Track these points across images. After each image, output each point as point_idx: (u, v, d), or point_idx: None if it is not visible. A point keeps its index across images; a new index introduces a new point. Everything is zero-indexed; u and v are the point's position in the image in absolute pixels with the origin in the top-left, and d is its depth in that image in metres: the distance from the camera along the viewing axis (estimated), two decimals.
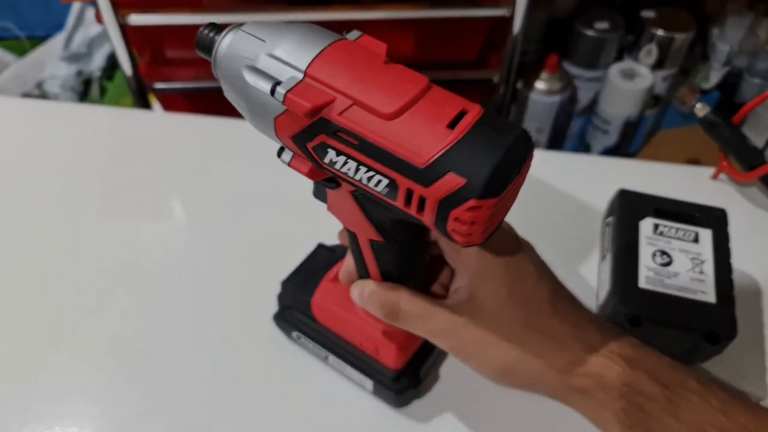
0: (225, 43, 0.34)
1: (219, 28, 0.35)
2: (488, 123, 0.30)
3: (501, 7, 0.91)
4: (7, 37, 1.56)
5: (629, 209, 0.58)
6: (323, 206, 0.41)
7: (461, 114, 0.30)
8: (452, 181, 0.29)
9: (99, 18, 0.86)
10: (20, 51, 1.55)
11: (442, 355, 0.53)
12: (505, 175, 0.29)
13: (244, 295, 0.59)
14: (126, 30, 0.86)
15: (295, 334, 0.53)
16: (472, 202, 0.29)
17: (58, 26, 1.54)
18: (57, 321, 0.56)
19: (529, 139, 0.32)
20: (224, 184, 0.69)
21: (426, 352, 0.51)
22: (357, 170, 0.32)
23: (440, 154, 0.29)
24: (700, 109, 0.71)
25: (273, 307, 0.55)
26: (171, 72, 0.97)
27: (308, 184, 0.39)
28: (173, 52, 0.95)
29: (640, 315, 0.50)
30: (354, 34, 0.34)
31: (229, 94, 0.35)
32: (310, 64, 0.32)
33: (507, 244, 0.40)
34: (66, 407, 0.51)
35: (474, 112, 0.30)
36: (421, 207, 0.31)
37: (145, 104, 0.98)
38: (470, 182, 0.29)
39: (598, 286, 0.59)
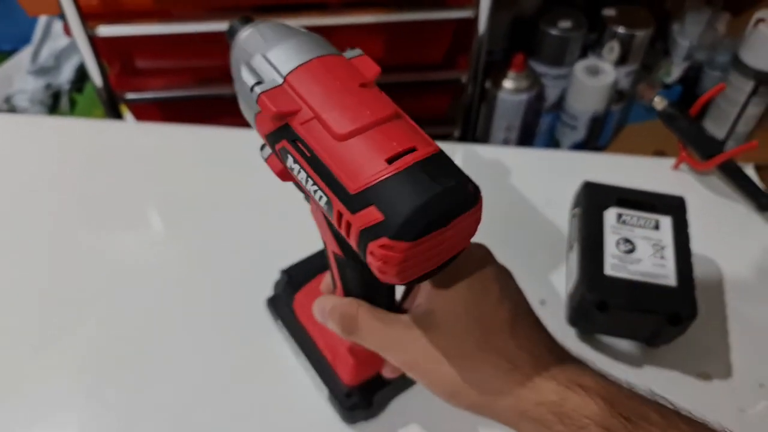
0: (242, 35, 0.36)
1: (249, 21, 0.37)
2: (427, 166, 0.30)
3: (466, 8, 0.93)
4: None
5: (594, 200, 0.60)
6: (295, 214, 0.41)
7: (408, 151, 0.30)
8: (372, 214, 0.29)
9: (67, 30, 0.86)
10: None
11: (405, 386, 0.53)
12: (426, 223, 0.28)
13: (221, 299, 0.60)
14: (95, 41, 0.87)
15: (279, 322, 0.55)
16: (384, 240, 0.28)
17: (25, 40, 1.52)
18: (39, 332, 0.57)
19: (468, 195, 0.30)
20: (201, 191, 0.70)
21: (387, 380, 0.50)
22: (306, 181, 0.32)
23: (369, 185, 0.29)
24: (659, 103, 0.74)
25: (253, 314, 0.57)
26: (142, 82, 0.97)
27: (284, 192, 0.40)
28: (143, 62, 0.96)
29: (606, 301, 0.52)
30: (351, 53, 0.35)
31: (234, 82, 0.37)
32: (291, 71, 0.33)
33: (475, 264, 0.39)
34: (50, 418, 0.52)
35: (422, 152, 0.30)
36: (348, 231, 0.31)
37: (117, 115, 0.98)
38: (387, 220, 0.29)
39: (567, 275, 0.61)
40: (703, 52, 1.29)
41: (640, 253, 0.56)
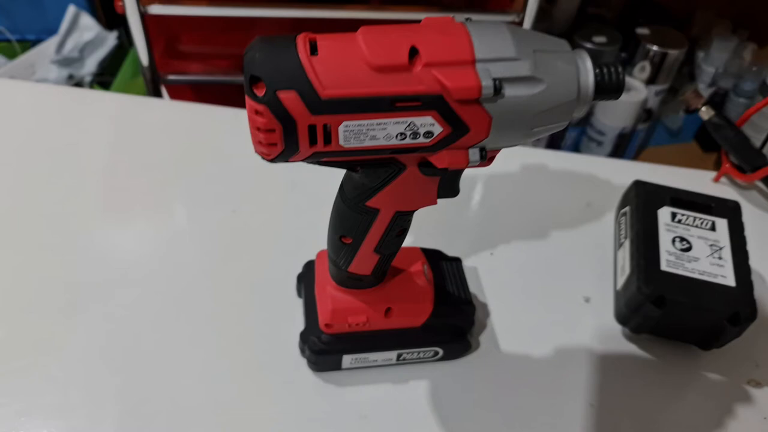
0: None
1: None
2: None
3: (509, 12, 0.93)
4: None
5: (646, 199, 0.59)
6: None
7: None
8: None
9: (120, 7, 0.86)
10: (11, 54, 1.52)
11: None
12: None
13: (251, 283, 0.58)
14: (145, 19, 0.87)
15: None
16: None
17: (51, 31, 1.52)
18: (59, 313, 0.55)
19: None
20: (232, 173, 0.69)
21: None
22: None
23: None
24: (705, 112, 0.73)
25: (286, 291, 0.56)
26: (182, 65, 0.97)
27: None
28: (186, 45, 0.96)
29: (664, 295, 0.51)
30: None
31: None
32: None
33: None
34: (56, 411, 0.50)
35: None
36: None
37: (158, 95, 0.99)
38: None
39: (616, 272, 0.60)
40: (729, 80, 1.29)
41: (696, 252, 0.55)
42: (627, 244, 0.58)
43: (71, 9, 1.50)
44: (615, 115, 1.16)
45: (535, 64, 0.36)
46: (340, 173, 0.42)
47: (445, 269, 0.53)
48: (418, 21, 0.36)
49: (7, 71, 1.46)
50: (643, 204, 0.58)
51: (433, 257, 0.54)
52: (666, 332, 0.55)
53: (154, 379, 0.50)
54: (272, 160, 0.37)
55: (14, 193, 0.65)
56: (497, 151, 0.40)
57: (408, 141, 0.36)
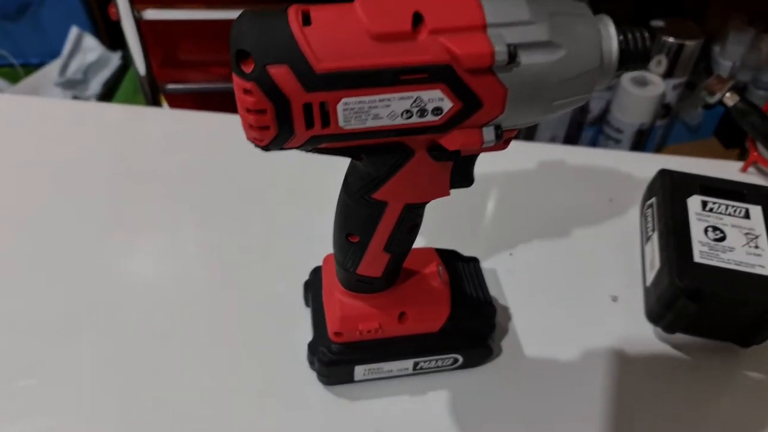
0: None
1: None
2: None
3: None
4: (1, 65, 1.53)
5: (674, 188, 0.55)
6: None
7: None
8: None
9: (114, 14, 0.83)
10: (14, 78, 1.52)
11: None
12: None
13: (257, 294, 0.55)
14: (141, 26, 0.84)
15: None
16: None
17: (54, 55, 1.51)
18: (59, 322, 0.52)
19: None
20: (236, 181, 0.66)
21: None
22: None
23: None
24: (730, 98, 0.69)
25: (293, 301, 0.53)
26: (181, 74, 0.94)
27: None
28: (185, 54, 0.93)
29: (700, 288, 0.47)
30: None
31: None
32: None
33: None
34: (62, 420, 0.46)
35: None
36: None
37: (157, 105, 0.96)
38: None
39: (644, 267, 0.56)
40: (748, 73, 1.25)
41: (731, 241, 0.50)
42: (655, 237, 0.53)
43: (74, 31, 1.50)
44: (632, 111, 1.12)
45: (552, 28, 0.32)
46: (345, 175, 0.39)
47: (461, 270, 0.50)
48: None
49: (12, 95, 1.45)
50: (670, 194, 0.54)
51: (449, 258, 0.50)
52: (701, 330, 0.51)
53: (158, 397, 0.47)
54: (265, 147, 0.34)
55: (12, 208, 0.62)
56: (514, 131, 0.36)
57: (415, 120, 0.33)
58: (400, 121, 0.33)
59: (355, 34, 0.31)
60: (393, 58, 0.31)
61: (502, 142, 0.35)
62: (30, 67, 1.54)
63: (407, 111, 0.32)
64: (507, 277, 0.57)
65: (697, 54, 1.14)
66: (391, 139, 0.34)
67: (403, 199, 0.39)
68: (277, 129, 0.32)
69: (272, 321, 0.52)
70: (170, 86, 0.95)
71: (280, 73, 0.30)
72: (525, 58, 0.32)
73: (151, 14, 0.84)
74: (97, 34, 1.54)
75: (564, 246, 0.60)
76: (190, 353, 0.50)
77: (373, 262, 0.42)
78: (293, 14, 0.31)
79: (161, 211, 0.63)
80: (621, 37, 0.34)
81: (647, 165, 0.71)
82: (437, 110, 0.32)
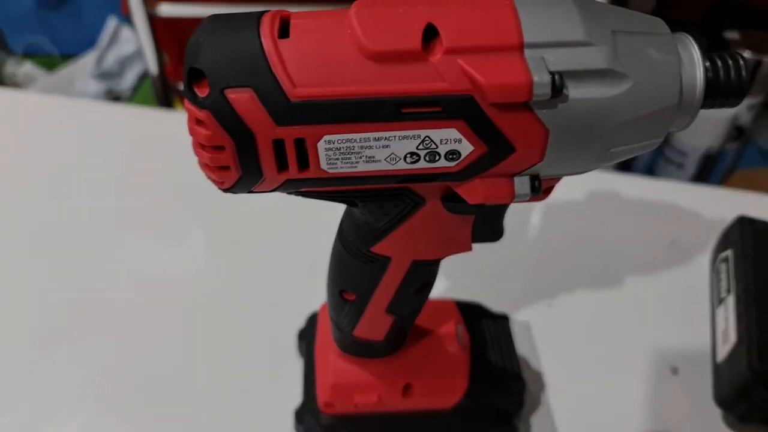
0: None
1: None
2: None
3: None
4: (39, 53, 1.52)
5: (757, 241, 0.45)
6: None
7: None
8: None
9: (126, 8, 0.77)
10: (51, 67, 1.50)
11: None
12: None
13: (247, 335, 0.48)
14: (155, 22, 0.78)
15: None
16: None
17: (91, 44, 1.49)
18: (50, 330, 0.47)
19: None
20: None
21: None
22: None
23: None
24: None
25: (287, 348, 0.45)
26: None
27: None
28: None
29: None
30: None
31: None
32: None
33: None
34: None
35: None
36: None
37: (170, 106, 0.90)
38: None
39: (715, 337, 0.46)
40: None
41: None
42: (731, 300, 0.44)
43: (112, 22, 1.47)
44: (699, 133, 1.00)
45: (615, 52, 0.24)
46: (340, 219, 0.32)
47: (486, 330, 0.41)
48: None
49: (47, 85, 1.43)
50: (753, 249, 0.45)
51: (472, 313, 0.42)
52: None
53: None
54: (228, 190, 0.26)
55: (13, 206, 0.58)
56: (556, 179, 0.28)
57: (423, 165, 0.25)
58: (402, 165, 0.25)
59: (345, 51, 0.23)
60: (394, 85, 0.23)
61: (540, 193, 0.26)
62: (67, 57, 1.52)
63: (413, 154, 0.24)
64: (543, 333, 0.48)
65: None
66: (393, 185, 0.26)
67: (411, 255, 0.31)
68: (239, 170, 0.24)
69: (260, 373, 0.45)
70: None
71: (242, 99, 0.23)
72: (575, 92, 0.23)
73: (167, 10, 0.78)
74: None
75: (614, 298, 0.51)
76: (162, 407, 0.43)
77: (372, 325, 0.35)
78: (268, 23, 0.23)
79: (162, 220, 0.57)
80: (708, 64, 0.25)
81: (719, 201, 0.62)
82: (453, 154, 0.24)
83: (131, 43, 1.47)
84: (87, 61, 1.47)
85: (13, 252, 0.54)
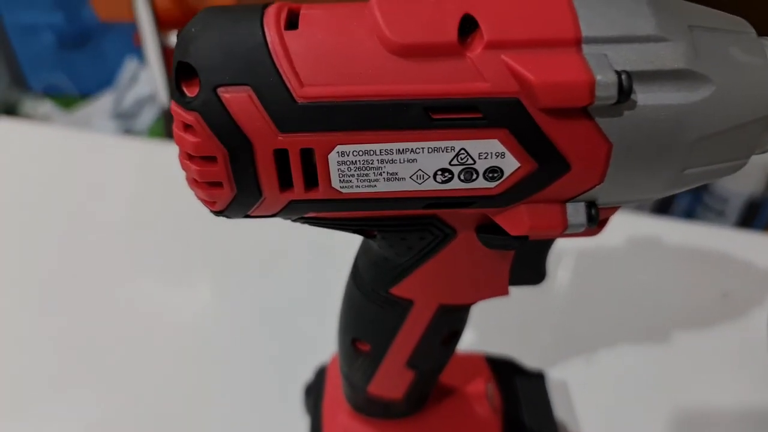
0: None
1: None
2: None
3: None
4: (58, 93, 1.52)
5: None
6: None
7: None
8: None
9: (138, 39, 0.75)
10: (69, 105, 1.51)
11: None
12: None
13: (253, 387, 0.43)
14: (167, 53, 0.76)
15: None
16: None
17: (108, 83, 1.50)
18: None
19: None
20: (256, 230, 0.55)
21: None
22: None
23: None
24: None
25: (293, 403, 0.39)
26: None
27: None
28: None
29: None
30: None
31: None
32: None
33: None
34: None
35: None
36: None
37: None
38: None
39: None
40: None
41: None
42: None
43: (132, 64, 1.48)
44: (741, 177, 0.96)
45: (694, 50, 0.19)
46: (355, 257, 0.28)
47: (520, 389, 0.36)
48: None
49: (64, 124, 1.43)
50: None
51: (504, 371, 0.37)
52: None
53: None
54: (221, 213, 0.22)
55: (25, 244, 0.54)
56: (614, 209, 0.23)
57: (457, 185, 0.20)
58: (431, 185, 0.20)
59: (364, 43, 0.19)
60: (423, 86, 0.19)
61: (596, 224, 0.22)
62: (85, 96, 1.53)
63: (444, 171, 0.20)
64: (581, 393, 0.43)
65: None
66: (419, 211, 0.22)
67: (437, 299, 0.26)
68: (233, 187, 0.20)
69: (263, 427, 0.40)
70: None
71: (237, 100, 0.19)
72: (645, 96, 0.19)
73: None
74: None
75: (660, 356, 0.46)
76: None
77: (390, 380, 0.30)
78: (273, 13, 0.20)
79: (166, 262, 0.53)
80: None
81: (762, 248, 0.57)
82: (494, 172, 0.20)
83: (149, 83, 1.48)
84: (105, 102, 1.48)
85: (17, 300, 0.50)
